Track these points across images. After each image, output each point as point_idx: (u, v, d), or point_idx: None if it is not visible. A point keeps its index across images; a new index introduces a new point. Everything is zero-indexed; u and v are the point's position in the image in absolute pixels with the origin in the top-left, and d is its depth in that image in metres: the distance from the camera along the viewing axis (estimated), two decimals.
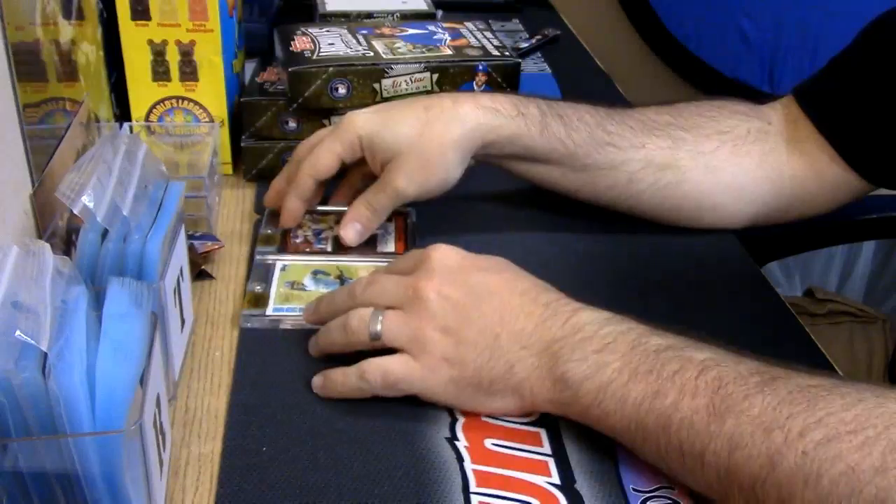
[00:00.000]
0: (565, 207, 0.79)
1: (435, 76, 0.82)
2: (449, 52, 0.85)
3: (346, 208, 0.73)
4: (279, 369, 0.61)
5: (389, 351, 0.57)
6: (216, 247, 0.72)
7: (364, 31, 0.89)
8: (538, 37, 1.25)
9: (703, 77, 1.75)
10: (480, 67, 0.83)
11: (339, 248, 0.73)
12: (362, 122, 0.70)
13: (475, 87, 0.84)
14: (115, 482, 0.43)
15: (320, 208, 0.78)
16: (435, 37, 0.89)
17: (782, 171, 0.76)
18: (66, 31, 0.69)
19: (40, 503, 0.43)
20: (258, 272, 0.69)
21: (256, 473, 0.53)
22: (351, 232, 0.72)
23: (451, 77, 0.83)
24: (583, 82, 1.15)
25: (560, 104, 0.74)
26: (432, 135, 0.69)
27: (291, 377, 0.60)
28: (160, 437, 0.49)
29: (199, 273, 0.70)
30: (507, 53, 0.85)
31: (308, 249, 0.73)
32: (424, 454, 0.55)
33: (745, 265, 0.77)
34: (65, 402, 0.41)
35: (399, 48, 0.85)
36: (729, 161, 0.75)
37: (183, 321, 0.61)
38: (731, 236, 0.80)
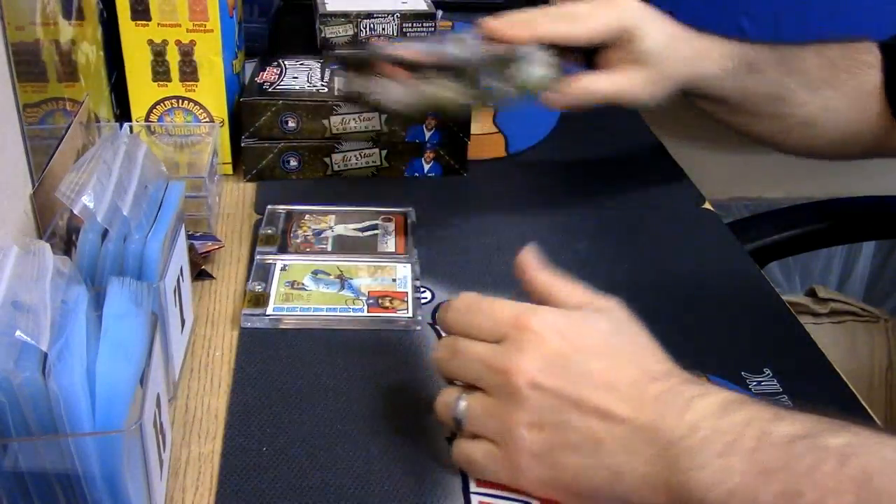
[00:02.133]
0: (565, 208, 0.79)
1: (384, 116, 0.83)
2: None
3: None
4: (279, 369, 0.61)
5: None
6: (216, 247, 0.72)
7: (335, 66, 0.90)
8: None
9: None
10: (430, 112, 0.83)
11: (339, 248, 0.73)
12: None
13: (425, 130, 0.85)
14: (115, 482, 0.43)
15: (319, 208, 0.78)
16: None
17: (881, 125, 0.80)
18: (66, 31, 0.69)
19: (40, 503, 0.43)
20: (258, 272, 0.70)
21: (256, 473, 0.53)
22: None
23: (401, 117, 0.83)
24: None
25: (756, 54, 0.79)
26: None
27: (291, 377, 0.60)
28: (160, 437, 0.49)
29: (199, 273, 0.70)
30: None
31: (308, 249, 0.73)
32: (424, 454, 0.55)
33: (745, 265, 0.77)
34: (65, 402, 0.41)
35: None
36: (853, 121, 0.80)
37: (183, 321, 0.61)
38: (731, 236, 0.81)
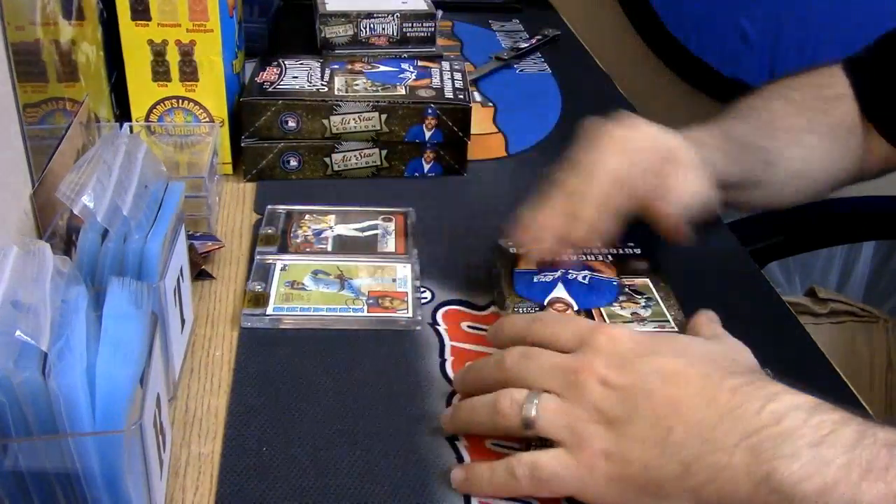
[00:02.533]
0: None
1: (383, 116, 0.83)
2: (402, 91, 0.85)
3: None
4: (279, 369, 0.61)
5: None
6: (216, 247, 0.72)
7: (335, 66, 0.91)
8: (538, 37, 1.25)
9: (703, 77, 1.75)
10: (429, 111, 0.83)
11: (339, 248, 0.73)
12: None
13: (425, 130, 0.84)
14: (115, 482, 0.43)
15: (319, 208, 0.78)
16: (400, 75, 0.90)
17: (860, 156, 0.79)
18: (66, 31, 0.69)
19: (40, 503, 0.43)
20: (258, 272, 0.70)
21: (256, 473, 0.53)
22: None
23: (400, 118, 0.84)
24: (583, 82, 1.15)
25: (736, 129, 0.74)
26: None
27: (291, 377, 0.60)
28: (160, 437, 0.49)
29: (199, 273, 0.70)
30: (462, 97, 0.85)
31: (308, 249, 0.73)
32: (424, 454, 0.54)
33: (745, 265, 0.77)
34: (65, 402, 0.41)
35: (357, 85, 0.86)
36: (837, 160, 0.78)
37: (183, 321, 0.61)
38: (731, 236, 0.81)
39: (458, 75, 0.91)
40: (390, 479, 0.53)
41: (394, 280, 0.70)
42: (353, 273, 0.70)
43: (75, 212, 0.53)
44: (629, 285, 0.67)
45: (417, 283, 0.69)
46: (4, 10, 0.56)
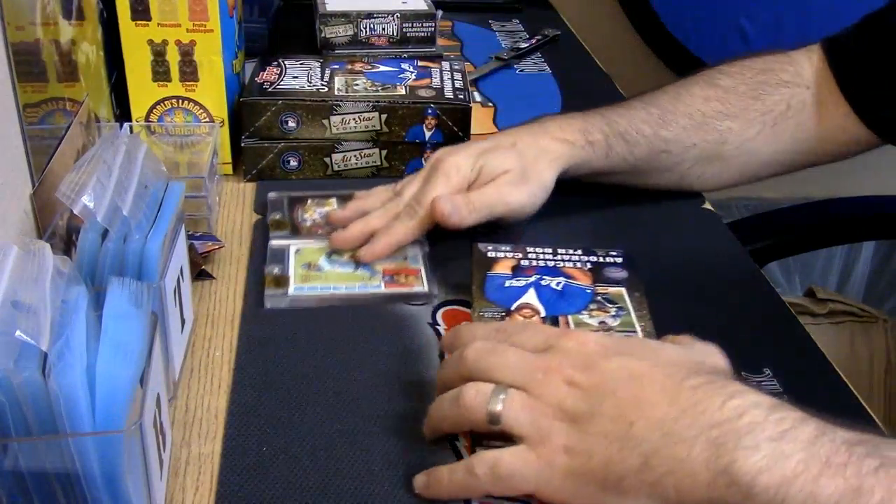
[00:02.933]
0: (564, 208, 0.79)
1: (383, 116, 0.83)
2: (402, 92, 0.86)
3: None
4: (279, 369, 0.61)
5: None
6: (216, 247, 0.72)
7: (335, 66, 0.91)
8: (538, 37, 1.25)
9: None
10: (429, 111, 0.84)
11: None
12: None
13: (425, 130, 0.85)
14: (115, 482, 0.43)
15: (323, 192, 0.80)
16: (400, 75, 0.90)
17: (810, 139, 0.80)
18: (66, 31, 0.69)
19: (40, 503, 0.43)
20: (274, 255, 0.71)
21: (256, 473, 0.53)
22: (447, 206, 0.70)
23: (400, 118, 0.84)
24: (583, 82, 1.15)
25: (618, 117, 0.78)
26: (528, 161, 0.74)
27: (291, 377, 0.60)
28: (160, 437, 0.49)
29: (199, 273, 0.70)
30: (462, 97, 0.85)
31: (320, 232, 0.75)
32: (424, 454, 0.54)
33: (745, 265, 0.77)
34: (65, 402, 0.41)
35: (357, 85, 0.86)
36: (768, 142, 0.80)
37: (183, 321, 0.61)
38: (731, 236, 0.81)
39: (458, 75, 0.91)
40: (390, 479, 0.53)
41: (405, 258, 0.72)
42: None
43: (75, 212, 0.53)
44: (602, 294, 0.66)
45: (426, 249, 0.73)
46: (4, 10, 0.56)
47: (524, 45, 1.22)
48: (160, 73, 0.80)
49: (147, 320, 0.48)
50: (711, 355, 0.53)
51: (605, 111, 0.79)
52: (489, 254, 0.70)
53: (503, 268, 0.68)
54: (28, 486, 0.43)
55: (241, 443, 0.55)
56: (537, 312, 0.63)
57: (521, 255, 0.70)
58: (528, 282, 0.66)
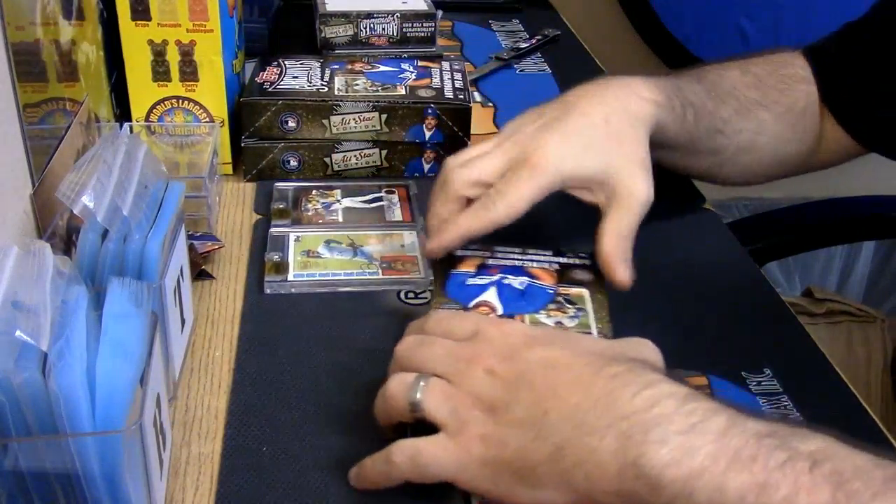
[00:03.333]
0: (564, 209, 0.79)
1: (383, 116, 0.83)
2: (402, 92, 0.86)
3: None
4: (279, 369, 0.61)
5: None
6: (216, 247, 0.72)
7: (335, 66, 0.91)
8: (538, 37, 1.25)
9: None
10: (429, 111, 0.84)
11: (349, 219, 0.77)
12: (559, 160, 0.65)
13: (425, 130, 0.85)
14: (115, 482, 0.43)
15: (326, 184, 0.82)
16: (400, 75, 0.90)
17: (812, 142, 0.79)
18: (66, 31, 0.69)
19: (40, 503, 0.43)
20: (274, 243, 0.73)
21: (256, 473, 0.53)
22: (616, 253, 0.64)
23: (400, 118, 0.84)
24: (583, 82, 1.15)
25: (688, 89, 0.73)
26: (626, 151, 0.66)
27: (291, 377, 0.60)
28: (160, 437, 0.49)
29: (199, 273, 0.70)
30: (462, 97, 0.85)
31: (321, 221, 0.76)
32: None
33: (745, 265, 0.77)
34: (65, 402, 0.41)
35: (357, 85, 0.86)
36: (788, 141, 0.78)
37: (183, 321, 0.61)
38: (731, 236, 0.81)
39: (458, 75, 0.91)
40: None
41: (402, 246, 0.74)
42: (362, 241, 0.74)
43: (75, 212, 0.53)
44: (564, 295, 0.64)
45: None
46: (4, 10, 0.56)
47: (524, 45, 1.22)
48: (160, 73, 0.80)
49: (147, 320, 0.48)
50: (640, 346, 0.52)
51: (674, 78, 0.74)
52: (456, 252, 0.67)
53: (468, 266, 0.66)
54: (28, 486, 0.43)
55: (241, 443, 0.55)
56: (494, 310, 0.62)
57: (488, 255, 0.67)
58: (490, 280, 0.65)
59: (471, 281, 0.65)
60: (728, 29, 1.71)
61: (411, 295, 0.69)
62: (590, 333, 0.60)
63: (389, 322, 0.66)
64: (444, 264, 0.67)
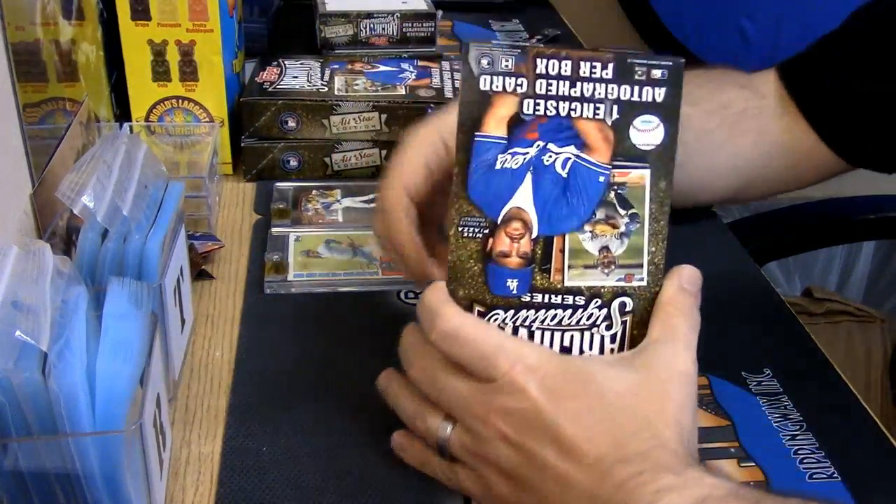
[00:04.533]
0: None
1: (383, 116, 0.84)
2: (402, 92, 0.86)
3: None
4: (279, 369, 0.61)
5: None
6: (216, 247, 0.72)
7: (335, 66, 0.91)
8: (538, 37, 1.25)
9: None
10: (429, 111, 0.83)
11: (349, 219, 0.77)
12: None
13: None
14: (115, 482, 0.43)
15: (326, 184, 0.82)
16: (400, 75, 0.90)
17: (773, 151, 0.75)
18: (66, 31, 0.69)
19: (40, 503, 0.43)
20: (274, 243, 0.73)
21: (256, 473, 0.53)
22: None
23: (400, 118, 0.84)
24: None
25: None
26: None
27: (291, 377, 0.60)
28: (160, 437, 0.49)
29: (199, 273, 0.70)
30: None
31: (321, 221, 0.77)
32: None
33: (745, 265, 0.77)
34: (65, 402, 0.41)
35: (357, 85, 0.86)
36: (727, 141, 0.74)
37: (183, 321, 0.61)
38: (731, 236, 0.81)
39: (458, 75, 0.91)
40: (391, 479, 0.53)
41: None
42: (362, 241, 0.74)
43: (75, 212, 0.53)
44: (619, 185, 0.51)
45: None
46: (4, 10, 0.56)
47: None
48: (160, 73, 0.81)
49: (147, 320, 0.48)
50: (664, 396, 0.48)
51: None
52: (492, 83, 0.50)
53: (498, 120, 0.50)
54: (28, 486, 0.43)
55: (241, 443, 0.55)
56: (528, 229, 0.50)
57: (527, 86, 0.50)
58: (527, 158, 0.50)
59: (500, 161, 0.50)
60: (728, 29, 1.72)
61: (411, 295, 0.69)
62: (639, 268, 0.51)
63: (389, 322, 0.66)
64: (470, 117, 0.50)
